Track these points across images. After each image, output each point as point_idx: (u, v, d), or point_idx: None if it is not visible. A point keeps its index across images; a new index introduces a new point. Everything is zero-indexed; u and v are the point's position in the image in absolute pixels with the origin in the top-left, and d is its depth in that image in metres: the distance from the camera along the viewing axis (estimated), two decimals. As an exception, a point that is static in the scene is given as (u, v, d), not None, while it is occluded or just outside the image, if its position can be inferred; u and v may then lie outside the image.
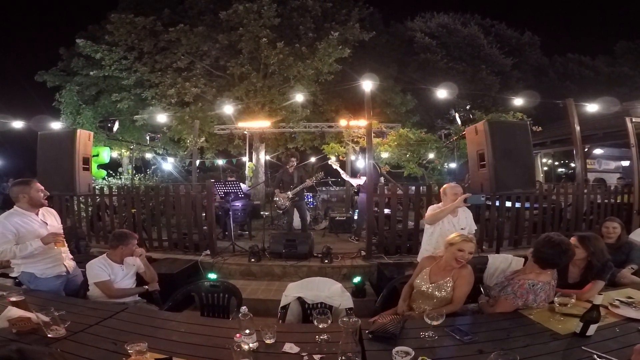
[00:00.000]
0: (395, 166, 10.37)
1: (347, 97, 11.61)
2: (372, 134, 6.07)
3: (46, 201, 2.91)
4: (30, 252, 2.67)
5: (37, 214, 2.86)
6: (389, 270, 4.33)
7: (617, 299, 2.23)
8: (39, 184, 2.87)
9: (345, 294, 2.72)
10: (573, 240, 2.57)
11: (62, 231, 2.93)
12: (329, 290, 2.74)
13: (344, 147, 10.64)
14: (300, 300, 2.75)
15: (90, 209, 6.25)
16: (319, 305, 2.69)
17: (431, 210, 3.44)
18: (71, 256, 3.18)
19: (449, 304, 2.44)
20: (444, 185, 3.55)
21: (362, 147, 7.66)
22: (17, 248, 2.64)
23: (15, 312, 1.92)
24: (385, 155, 10.01)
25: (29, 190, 2.79)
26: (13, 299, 2.07)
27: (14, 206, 2.81)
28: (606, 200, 6.32)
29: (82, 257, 3.91)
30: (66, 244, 3.03)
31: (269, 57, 8.76)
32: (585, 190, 6.16)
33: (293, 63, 8.85)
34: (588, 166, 10.79)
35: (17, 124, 7.18)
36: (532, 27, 18.08)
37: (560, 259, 2.22)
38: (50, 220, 2.94)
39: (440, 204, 3.54)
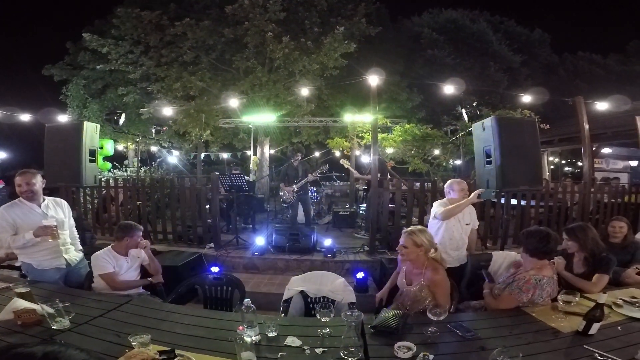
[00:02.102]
0: (400, 162, 10.34)
1: (352, 92, 11.55)
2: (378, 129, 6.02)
3: (27, 193, 2.81)
4: (23, 244, 2.70)
5: (39, 205, 2.87)
6: (391, 266, 4.33)
7: (620, 298, 2.23)
8: (18, 178, 2.80)
9: (347, 289, 2.74)
10: (563, 235, 2.73)
11: (55, 223, 2.81)
12: (332, 285, 2.75)
13: (349, 142, 10.62)
14: (303, 294, 2.75)
15: (96, 201, 6.30)
16: (321, 299, 2.69)
17: (441, 206, 3.40)
18: (80, 247, 3.22)
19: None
20: (450, 181, 3.53)
21: (367, 145, 7.62)
22: (11, 239, 2.69)
23: (20, 303, 1.95)
24: (390, 150, 9.99)
25: (15, 181, 2.80)
26: (19, 290, 2.09)
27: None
28: (613, 200, 6.25)
29: (87, 249, 3.93)
30: (68, 237, 3.05)
31: (275, 52, 8.72)
32: (592, 189, 6.09)
33: (298, 57, 8.80)
34: (595, 165, 10.67)
35: (25, 117, 7.25)
36: (543, 24, 17.92)
37: (548, 244, 2.27)
38: (53, 212, 2.94)
39: (444, 199, 3.52)
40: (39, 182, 2.87)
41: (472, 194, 3.36)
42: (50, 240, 2.74)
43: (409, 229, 2.54)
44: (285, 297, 2.78)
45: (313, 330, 1.89)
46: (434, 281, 2.35)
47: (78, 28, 10.83)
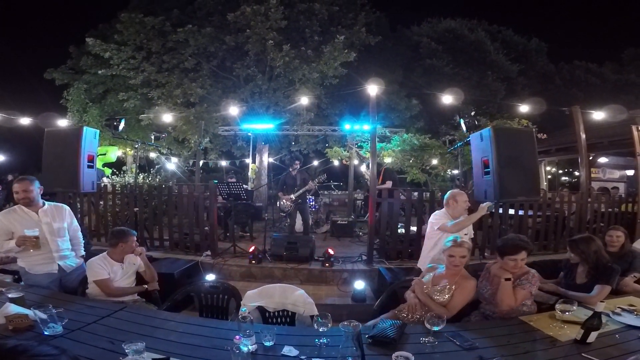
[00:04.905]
0: (398, 171, 10.36)
1: (351, 101, 11.63)
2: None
3: (24, 200, 2.85)
4: (7, 250, 2.78)
5: (37, 212, 2.89)
6: (389, 275, 4.32)
7: (619, 307, 2.24)
8: (16, 185, 2.87)
9: (308, 301, 2.61)
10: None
11: (37, 233, 2.79)
12: (292, 297, 2.64)
13: (348, 151, 10.65)
14: (260, 309, 2.62)
15: (92, 207, 6.27)
16: (280, 313, 2.62)
17: (443, 217, 3.35)
18: (82, 253, 3.23)
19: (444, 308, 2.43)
20: (452, 192, 3.47)
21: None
22: (0, 244, 2.75)
23: (13, 308, 1.92)
24: (388, 160, 10.02)
25: (10, 188, 2.89)
26: (11, 295, 2.07)
27: None
28: (610, 209, 6.27)
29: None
30: (67, 243, 3.04)
31: (275, 60, 8.79)
32: (589, 199, 6.12)
33: (298, 66, 8.87)
34: (592, 175, 10.72)
35: (25, 121, 7.26)
36: (540, 33, 18.08)
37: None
38: (50, 219, 2.94)
39: (443, 210, 3.49)
40: (36, 189, 2.91)
41: (481, 207, 3.38)
42: (31, 250, 2.76)
43: (461, 240, 2.61)
44: (240, 314, 2.68)
45: (310, 340, 1.87)
46: (465, 285, 2.47)
47: (82, 32, 10.89)
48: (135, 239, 3.04)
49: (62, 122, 7.98)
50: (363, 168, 6.48)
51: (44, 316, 1.82)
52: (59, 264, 2.96)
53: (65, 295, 2.74)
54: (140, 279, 3.09)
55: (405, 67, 14.21)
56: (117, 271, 2.89)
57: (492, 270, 2.55)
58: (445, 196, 3.49)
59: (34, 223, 2.84)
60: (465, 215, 3.40)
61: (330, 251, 5.12)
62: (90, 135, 4.75)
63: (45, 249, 2.86)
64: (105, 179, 9.12)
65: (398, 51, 14.47)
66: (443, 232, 3.29)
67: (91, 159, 4.75)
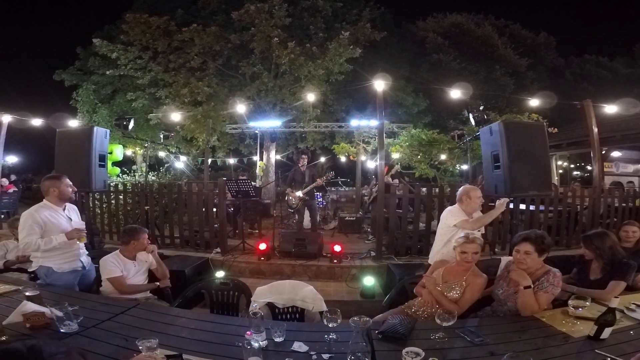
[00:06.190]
0: (406, 167, 10.31)
1: (357, 97, 11.60)
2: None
3: (73, 196, 2.98)
4: (53, 246, 2.72)
5: (63, 209, 2.93)
6: (398, 271, 4.31)
7: (633, 303, 2.20)
8: (68, 180, 2.95)
9: (317, 297, 2.62)
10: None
11: (84, 227, 2.97)
12: (302, 293, 2.64)
13: (355, 148, 10.63)
14: (270, 305, 2.63)
15: (105, 205, 6.37)
16: (290, 309, 2.63)
17: (458, 214, 3.31)
18: (87, 252, 3.26)
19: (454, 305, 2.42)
20: (465, 188, 3.40)
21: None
22: (41, 241, 2.69)
23: (30, 306, 1.96)
24: (396, 155, 9.97)
25: (60, 184, 2.87)
26: (28, 293, 2.11)
27: (44, 199, 2.88)
28: (624, 204, 6.16)
29: (95, 252, 3.97)
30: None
31: (280, 57, 8.79)
32: (602, 194, 6.02)
33: (304, 63, 8.86)
34: (605, 169, 10.53)
35: (36, 122, 7.37)
36: (548, 27, 17.81)
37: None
38: (73, 216, 3.01)
39: (456, 206, 3.44)
40: None
41: (500, 204, 3.35)
42: (78, 243, 2.83)
43: (473, 236, 2.56)
44: (250, 310, 2.70)
45: (320, 336, 1.88)
46: (476, 282, 2.46)
47: (88, 33, 10.98)
48: (147, 236, 3.08)
49: (73, 123, 8.09)
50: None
51: (60, 314, 1.86)
52: (81, 260, 3.01)
53: (80, 293, 2.79)
54: (152, 276, 3.13)
55: (412, 62, 14.09)
56: (130, 269, 2.93)
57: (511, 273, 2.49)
58: (458, 192, 3.44)
59: (64, 219, 2.88)
60: (479, 211, 3.36)
61: (337, 248, 5.12)
62: (101, 134, 4.81)
63: (74, 246, 2.88)
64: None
65: (404, 47, 14.35)
66: (459, 229, 3.25)
67: (102, 158, 4.81)
